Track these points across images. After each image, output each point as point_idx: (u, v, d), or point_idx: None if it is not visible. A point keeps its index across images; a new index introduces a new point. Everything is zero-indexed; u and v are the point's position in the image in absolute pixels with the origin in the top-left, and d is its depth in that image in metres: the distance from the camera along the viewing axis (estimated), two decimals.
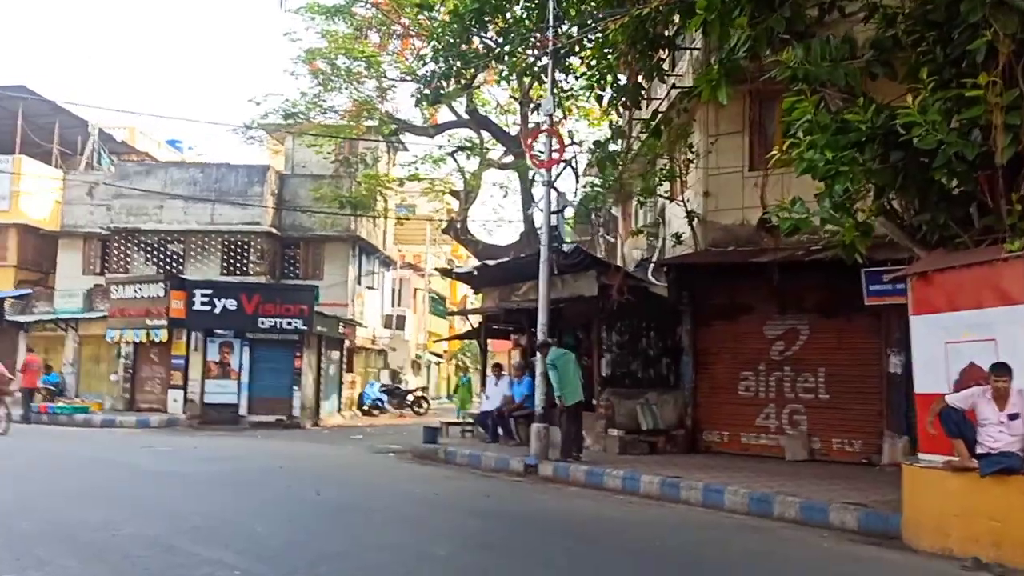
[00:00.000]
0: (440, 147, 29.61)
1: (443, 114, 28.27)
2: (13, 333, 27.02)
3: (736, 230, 13.09)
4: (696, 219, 13.73)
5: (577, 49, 12.69)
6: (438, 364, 52.35)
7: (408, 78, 25.34)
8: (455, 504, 9.71)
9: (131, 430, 20.37)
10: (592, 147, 14.52)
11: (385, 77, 25.76)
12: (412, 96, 26.52)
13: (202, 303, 21.91)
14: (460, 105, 26.29)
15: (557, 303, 13.49)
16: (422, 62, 23.68)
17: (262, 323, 22.24)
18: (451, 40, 13.84)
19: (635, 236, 17.40)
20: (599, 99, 11.76)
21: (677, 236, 14.46)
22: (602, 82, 12.21)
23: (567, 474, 11.59)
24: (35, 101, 30.36)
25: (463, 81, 20.55)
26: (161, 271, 27.29)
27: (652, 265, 15.56)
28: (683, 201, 13.87)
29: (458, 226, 27.67)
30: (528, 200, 25.42)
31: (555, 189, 12.54)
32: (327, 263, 29.64)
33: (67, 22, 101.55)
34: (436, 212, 42.78)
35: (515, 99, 26.74)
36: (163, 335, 22.49)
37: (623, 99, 12.46)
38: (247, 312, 22.15)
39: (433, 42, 15.87)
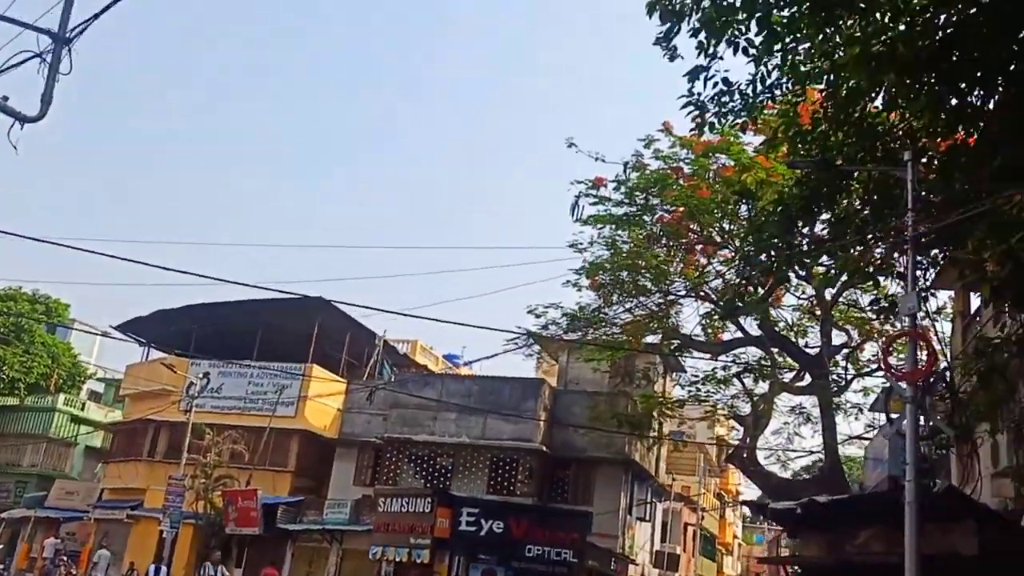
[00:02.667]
0: (724, 368, 27.32)
1: (728, 331, 26.29)
2: (282, 541, 26.76)
3: None
4: None
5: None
6: None
7: (693, 293, 23.77)
8: None
9: None
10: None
11: (670, 292, 24.26)
12: (702, 310, 25.22)
13: (468, 522, 20.31)
14: (745, 321, 24.30)
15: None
16: (722, 269, 22.12)
17: (529, 551, 20.14)
18: (768, 236, 11.89)
19: (1001, 479, 13.75)
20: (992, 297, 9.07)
21: None
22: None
23: None
24: (328, 315, 31.91)
25: (762, 289, 18.52)
26: (428, 485, 26.31)
27: None
28: None
29: (744, 455, 24.64)
30: (830, 426, 22.15)
31: (922, 410, 9.73)
32: (598, 488, 27.28)
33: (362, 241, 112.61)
34: (711, 439, 39.88)
35: (814, 315, 24.15)
36: (426, 555, 20.91)
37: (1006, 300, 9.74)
38: (514, 536, 20.21)
39: (742, 241, 14.00)
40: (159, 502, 27.90)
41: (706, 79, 11.52)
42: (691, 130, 12.51)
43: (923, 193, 10.36)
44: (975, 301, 17.20)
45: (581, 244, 23.67)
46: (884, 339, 13.04)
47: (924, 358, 9.70)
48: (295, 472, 31.08)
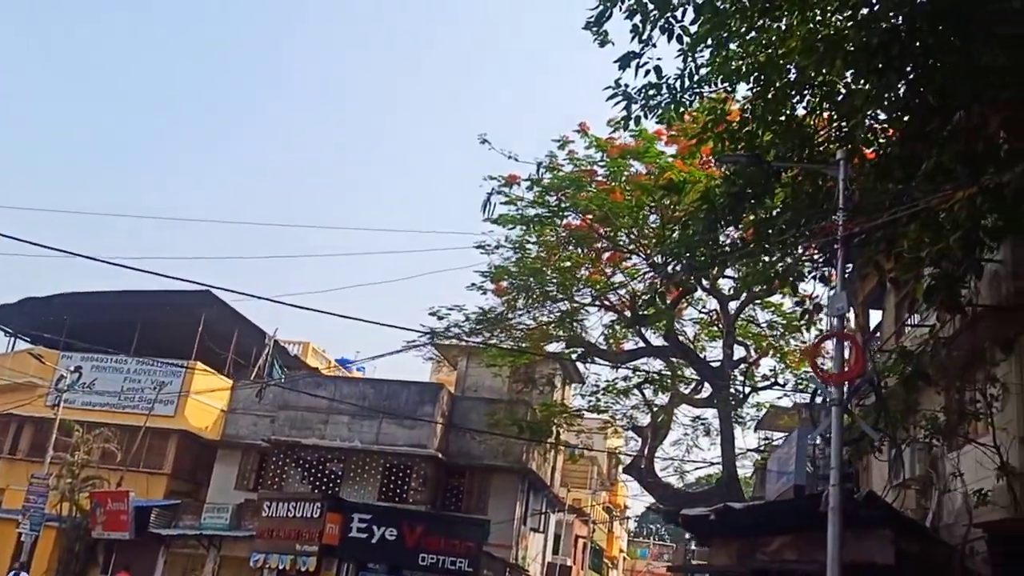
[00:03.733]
0: (625, 378, 27.12)
1: (630, 340, 26.13)
2: (154, 547, 24.99)
3: None
4: (1010, 473, 10.31)
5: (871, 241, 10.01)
6: None
7: (598, 302, 23.45)
8: None
9: None
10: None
11: (575, 299, 23.83)
12: (606, 319, 24.91)
13: (359, 529, 19.29)
14: (648, 332, 24.18)
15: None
16: (626, 278, 21.83)
17: (423, 559, 19.26)
18: (693, 233, 11.51)
19: (904, 489, 13.75)
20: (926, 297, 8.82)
21: (982, 493, 10.91)
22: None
23: None
24: (216, 308, 30.27)
25: (673, 293, 18.27)
26: (317, 491, 25.09)
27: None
28: (996, 447, 10.50)
29: (643, 466, 24.46)
30: (729, 438, 22.16)
31: (849, 412, 9.45)
32: (493, 496, 26.58)
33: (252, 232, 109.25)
34: (606, 450, 39.79)
35: (716, 327, 24.22)
36: (311, 563, 19.74)
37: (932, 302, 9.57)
38: (407, 545, 19.31)
39: (660, 242, 13.61)
40: (19, 503, 25.78)
41: (638, 66, 11.11)
42: (616, 122, 12.10)
43: (854, 192, 10.15)
44: (875, 316, 17.41)
45: (489, 245, 23.06)
46: (815, 340, 12.88)
47: (852, 360, 9.43)
48: (171, 475, 29.31)
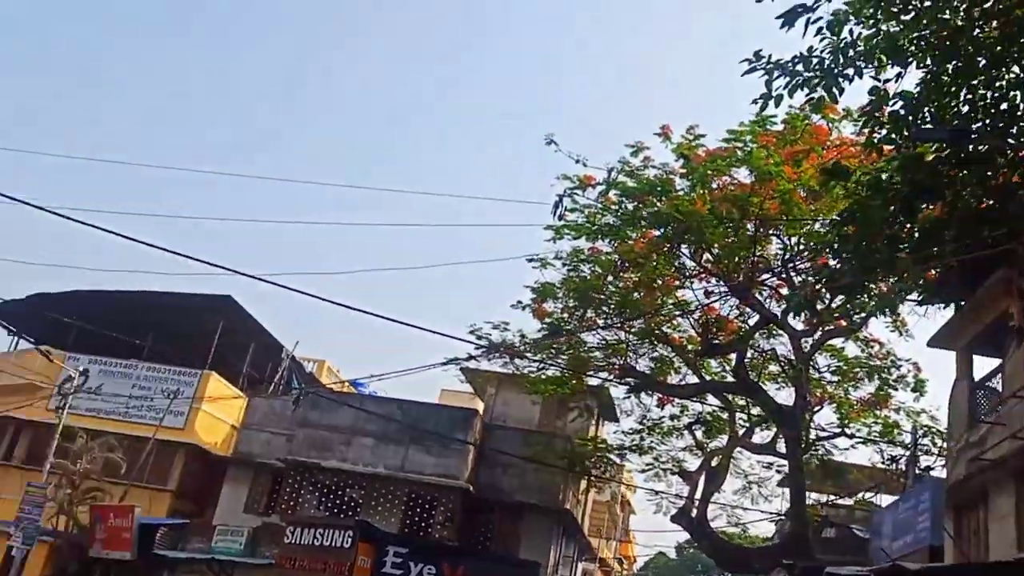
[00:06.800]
0: (673, 417, 25.12)
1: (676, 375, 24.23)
2: (158, 570, 22.71)
3: None
4: None
5: None
6: None
7: (661, 329, 21.53)
8: None
9: None
10: None
11: (627, 327, 21.87)
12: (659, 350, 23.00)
13: (394, 564, 17.24)
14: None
15: None
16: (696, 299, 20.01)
17: None
18: (867, 227, 9.63)
19: None
20: None
21: None
22: None
23: None
24: (234, 316, 28.40)
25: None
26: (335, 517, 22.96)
27: None
28: None
29: (693, 515, 22.41)
30: (799, 487, 20.12)
31: None
32: (525, 536, 24.45)
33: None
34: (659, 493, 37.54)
35: (790, 365, 22.21)
36: None
37: None
38: None
39: (832, 234, 11.44)
40: (10, 514, 23.59)
41: (808, 23, 9.42)
42: (754, 101, 10.37)
43: None
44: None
45: (545, 257, 21.13)
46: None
47: None
48: (175, 492, 27.13)
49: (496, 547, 24.04)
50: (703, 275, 20.45)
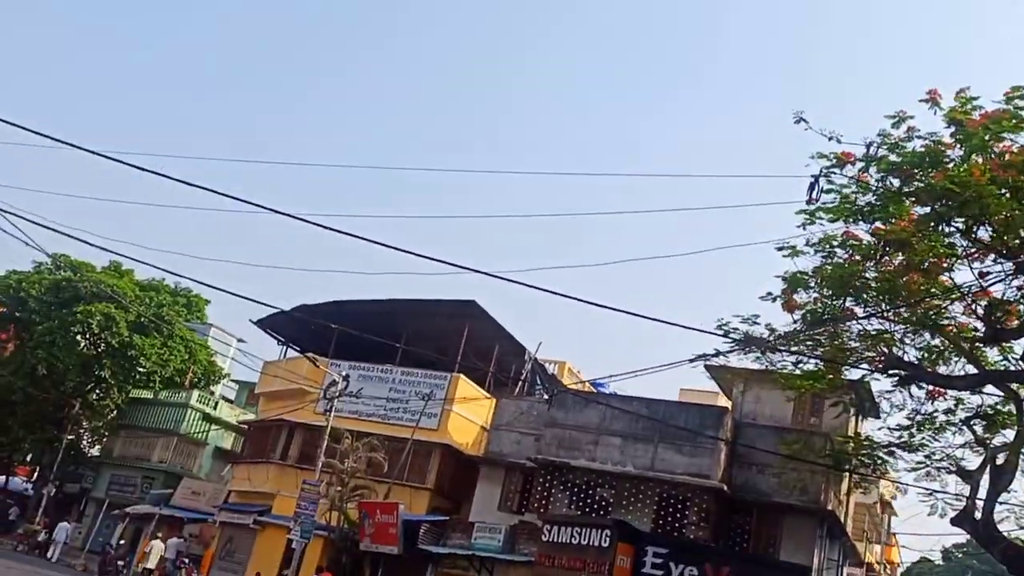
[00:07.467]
0: (947, 411, 22.91)
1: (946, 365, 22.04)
2: (422, 564, 23.77)
3: None
4: None
5: None
6: None
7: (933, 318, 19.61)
8: None
9: None
10: None
11: (895, 315, 20.10)
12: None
13: (654, 565, 16.81)
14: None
15: None
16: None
17: None
18: None
19: None
20: None
21: None
22: None
23: None
24: (480, 320, 29.23)
25: None
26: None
27: None
28: None
29: (977, 518, 20.23)
30: None
31: None
32: (785, 539, 23.20)
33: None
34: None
35: None
36: None
37: None
38: None
39: None
40: (288, 509, 25.61)
41: None
42: None
43: None
44: None
45: (796, 245, 19.87)
46: None
47: None
48: (434, 490, 28.28)
49: (753, 549, 23.04)
50: (978, 254, 18.39)
